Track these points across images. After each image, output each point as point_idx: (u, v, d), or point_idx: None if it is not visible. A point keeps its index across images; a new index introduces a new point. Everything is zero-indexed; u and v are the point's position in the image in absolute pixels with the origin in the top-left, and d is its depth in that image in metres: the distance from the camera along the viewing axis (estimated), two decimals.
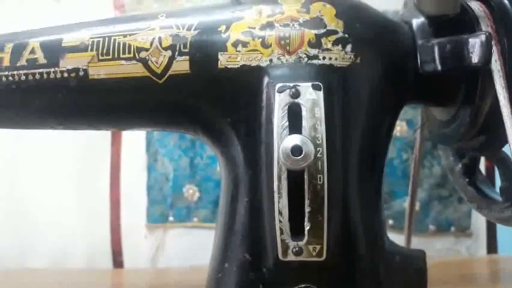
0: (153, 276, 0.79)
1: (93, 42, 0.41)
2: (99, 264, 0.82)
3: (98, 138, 0.82)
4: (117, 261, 0.82)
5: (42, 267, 0.80)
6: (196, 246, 0.80)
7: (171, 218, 0.83)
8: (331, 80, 0.37)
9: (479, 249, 0.80)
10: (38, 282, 0.72)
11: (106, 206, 0.83)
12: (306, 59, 0.38)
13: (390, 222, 0.77)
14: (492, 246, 0.80)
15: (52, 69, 0.41)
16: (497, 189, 0.42)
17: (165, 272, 0.80)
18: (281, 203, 0.35)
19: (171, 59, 0.39)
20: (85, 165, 0.83)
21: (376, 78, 0.39)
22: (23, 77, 0.41)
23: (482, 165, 0.54)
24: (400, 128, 0.79)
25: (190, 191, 0.82)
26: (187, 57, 0.39)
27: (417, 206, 0.75)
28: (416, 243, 0.61)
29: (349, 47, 0.38)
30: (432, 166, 0.78)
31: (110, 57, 0.40)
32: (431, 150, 0.77)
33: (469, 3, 0.39)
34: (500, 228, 0.79)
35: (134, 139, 0.83)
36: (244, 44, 0.39)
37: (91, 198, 0.83)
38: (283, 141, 0.35)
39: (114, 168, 0.84)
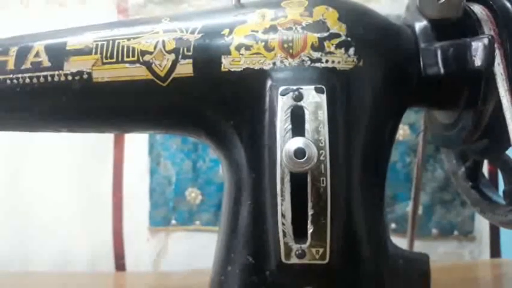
0: (155, 279, 0.79)
1: (97, 45, 0.41)
2: (101, 267, 0.82)
3: (100, 142, 0.82)
4: (119, 264, 0.82)
5: (45, 270, 0.80)
6: (198, 249, 0.80)
7: (173, 221, 0.83)
8: (334, 83, 0.37)
9: (482, 253, 0.80)
10: (40, 285, 0.72)
11: (108, 209, 0.83)
12: (308, 62, 0.38)
13: (393, 226, 0.77)
14: (495, 250, 0.80)
15: (56, 73, 0.41)
16: (501, 193, 0.42)
17: (167, 275, 0.80)
18: (284, 205, 0.35)
19: (175, 62, 0.40)
20: (87, 168, 0.84)
21: (379, 82, 0.39)
22: (28, 80, 0.42)
23: (485, 169, 0.54)
24: (402, 132, 0.79)
25: (193, 194, 0.82)
26: (190, 61, 0.39)
27: (420, 210, 0.75)
28: (419, 247, 0.60)
29: (352, 50, 0.38)
30: (435, 170, 0.78)
31: (114, 60, 0.40)
32: (434, 154, 0.77)
33: (471, 7, 0.39)
34: (504, 232, 0.79)
35: (137, 142, 0.84)
36: (248, 48, 0.39)
37: (93, 201, 0.83)
38: (286, 144, 0.35)
39: (116, 171, 0.84)
